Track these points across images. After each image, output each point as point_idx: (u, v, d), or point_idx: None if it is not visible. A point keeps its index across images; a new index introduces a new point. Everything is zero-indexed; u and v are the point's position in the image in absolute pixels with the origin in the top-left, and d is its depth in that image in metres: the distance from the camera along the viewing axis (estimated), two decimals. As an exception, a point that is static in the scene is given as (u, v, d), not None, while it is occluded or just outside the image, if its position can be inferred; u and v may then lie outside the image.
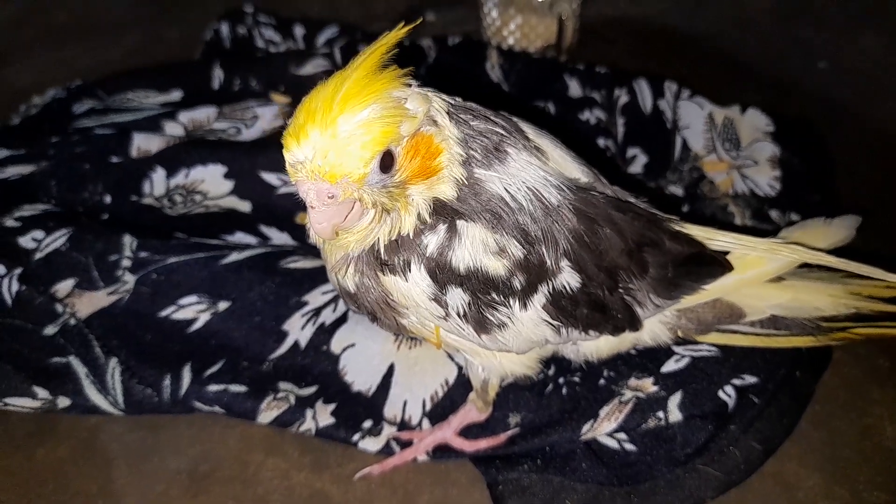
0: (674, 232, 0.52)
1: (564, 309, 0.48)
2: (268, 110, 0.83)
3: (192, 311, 0.63)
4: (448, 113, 0.44)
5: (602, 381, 0.59)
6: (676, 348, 0.60)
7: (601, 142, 0.84)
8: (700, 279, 0.53)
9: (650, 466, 0.55)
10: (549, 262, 0.46)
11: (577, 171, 0.50)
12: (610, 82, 0.89)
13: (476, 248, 0.44)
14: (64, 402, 0.58)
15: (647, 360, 0.60)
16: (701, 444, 0.56)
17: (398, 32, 0.41)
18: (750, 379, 0.58)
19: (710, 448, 0.56)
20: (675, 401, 0.56)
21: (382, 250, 0.44)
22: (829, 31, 1.10)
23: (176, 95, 0.87)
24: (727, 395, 0.57)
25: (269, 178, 0.76)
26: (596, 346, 0.55)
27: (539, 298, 0.47)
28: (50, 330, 0.61)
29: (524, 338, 0.49)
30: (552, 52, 1.01)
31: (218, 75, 0.89)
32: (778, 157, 0.79)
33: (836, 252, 0.53)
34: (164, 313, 0.63)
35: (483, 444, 0.57)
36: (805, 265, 0.55)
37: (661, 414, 0.56)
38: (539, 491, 0.54)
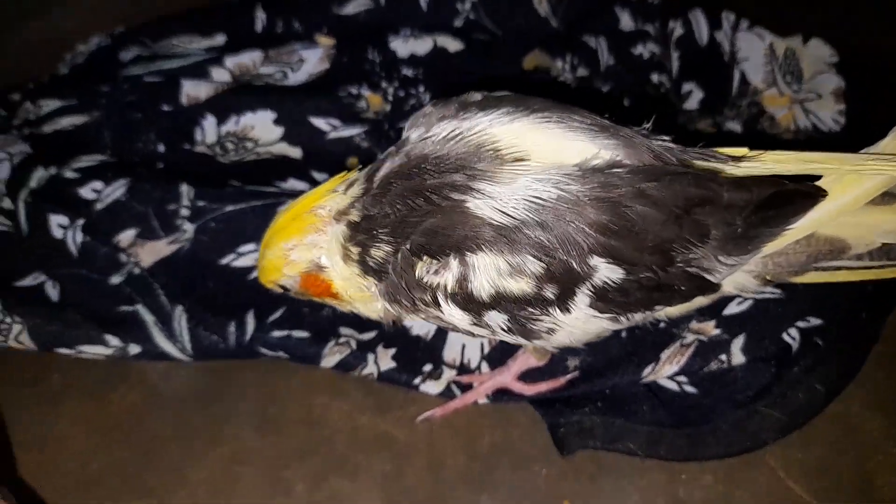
0: (735, 180, 0.46)
1: (614, 301, 0.45)
2: (313, 53, 0.82)
3: (252, 258, 0.64)
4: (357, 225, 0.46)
5: (662, 324, 0.59)
6: (738, 290, 0.59)
7: (655, 77, 0.81)
8: (782, 221, 0.47)
9: (711, 409, 0.55)
10: (576, 266, 0.42)
11: (595, 147, 0.44)
12: (663, 13, 0.85)
13: (491, 276, 0.43)
14: (135, 349, 0.60)
15: (709, 303, 0.59)
16: (763, 386, 0.56)
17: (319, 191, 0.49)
18: (815, 321, 0.57)
19: (773, 391, 0.56)
20: (738, 344, 0.56)
21: (407, 288, 0.46)
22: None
23: (220, 40, 0.86)
24: (791, 337, 0.56)
25: (319, 123, 0.76)
26: (665, 310, 0.51)
27: (581, 299, 0.44)
28: (116, 279, 0.63)
29: (580, 333, 0.48)
30: (601, -18, 0.97)
31: (261, 17, 0.87)
32: (843, 90, 0.76)
33: None
34: (224, 261, 0.64)
35: (543, 387, 0.58)
36: None
37: (723, 357, 0.56)
38: (601, 434, 0.55)
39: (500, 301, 0.44)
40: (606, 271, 0.43)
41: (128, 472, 0.56)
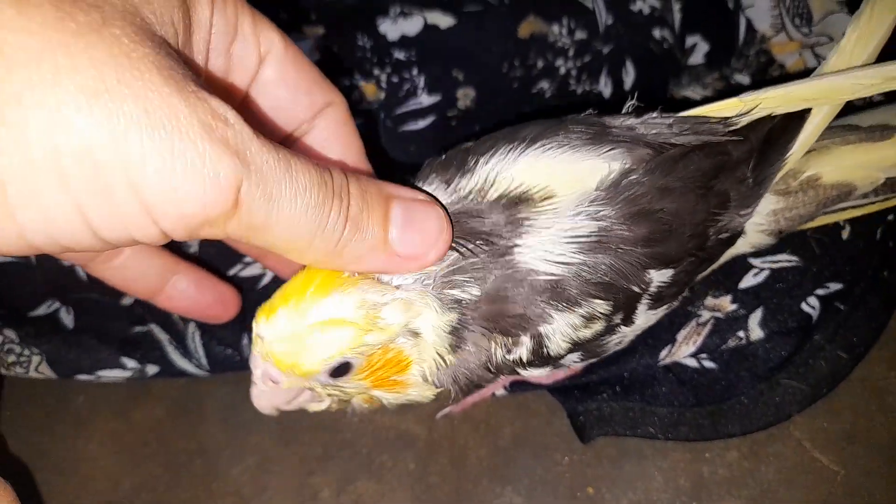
0: (734, 135, 0.45)
1: (668, 295, 0.46)
2: (302, 45, 0.79)
3: (258, 266, 0.64)
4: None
5: (676, 304, 0.57)
6: (754, 261, 0.57)
7: (657, 33, 0.78)
8: (781, 152, 0.47)
9: (732, 384, 0.55)
10: (637, 289, 0.43)
11: (603, 162, 0.43)
12: (661, -38, 0.82)
13: (568, 334, 0.43)
14: (153, 369, 0.60)
15: (724, 276, 0.57)
16: (784, 358, 0.54)
17: None
18: (835, 286, 0.56)
19: (795, 361, 0.55)
20: (755, 318, 0.55)
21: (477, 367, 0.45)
22: None
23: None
24: (811, 306, 0.55)
25: (314, 117, 0.74)
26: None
27: (641, 309, 0.46)
28: (126, 300, 0.63)
29: (640, 331, 0.49)
30: (595, -67, 0.92)
31: (246, 9, 0.85)
32: (855, 31, 0.72)
33: None
34: (231, 272, 0.64)
35: (560, 375, 0.57)
36: None
37: (741, 333, 0.55)
38: (621, 419, 0.54)
39: (576, 346, 0.45)
40: (659, 277, 0.44)
41: (158, 490, 0.58)
